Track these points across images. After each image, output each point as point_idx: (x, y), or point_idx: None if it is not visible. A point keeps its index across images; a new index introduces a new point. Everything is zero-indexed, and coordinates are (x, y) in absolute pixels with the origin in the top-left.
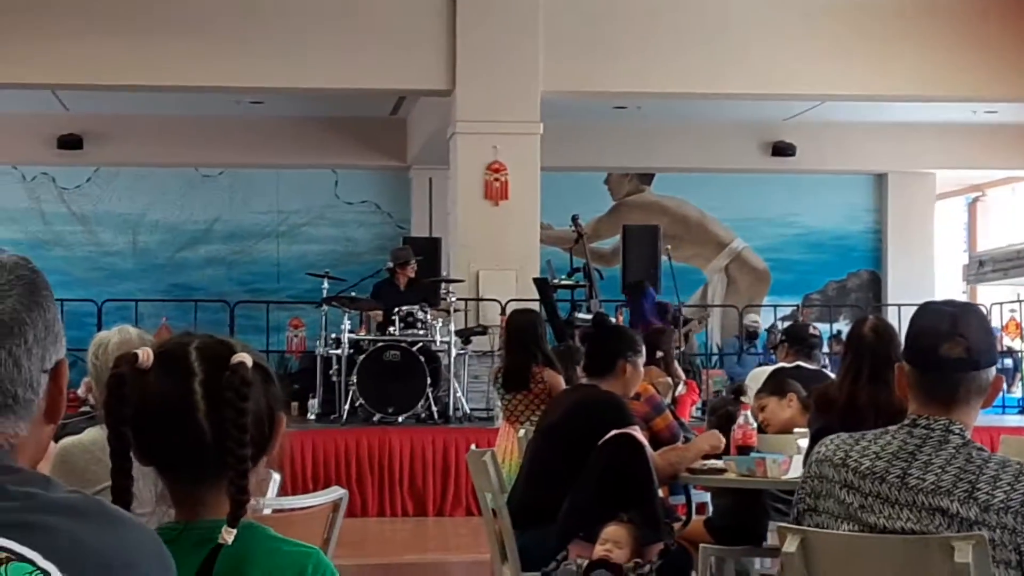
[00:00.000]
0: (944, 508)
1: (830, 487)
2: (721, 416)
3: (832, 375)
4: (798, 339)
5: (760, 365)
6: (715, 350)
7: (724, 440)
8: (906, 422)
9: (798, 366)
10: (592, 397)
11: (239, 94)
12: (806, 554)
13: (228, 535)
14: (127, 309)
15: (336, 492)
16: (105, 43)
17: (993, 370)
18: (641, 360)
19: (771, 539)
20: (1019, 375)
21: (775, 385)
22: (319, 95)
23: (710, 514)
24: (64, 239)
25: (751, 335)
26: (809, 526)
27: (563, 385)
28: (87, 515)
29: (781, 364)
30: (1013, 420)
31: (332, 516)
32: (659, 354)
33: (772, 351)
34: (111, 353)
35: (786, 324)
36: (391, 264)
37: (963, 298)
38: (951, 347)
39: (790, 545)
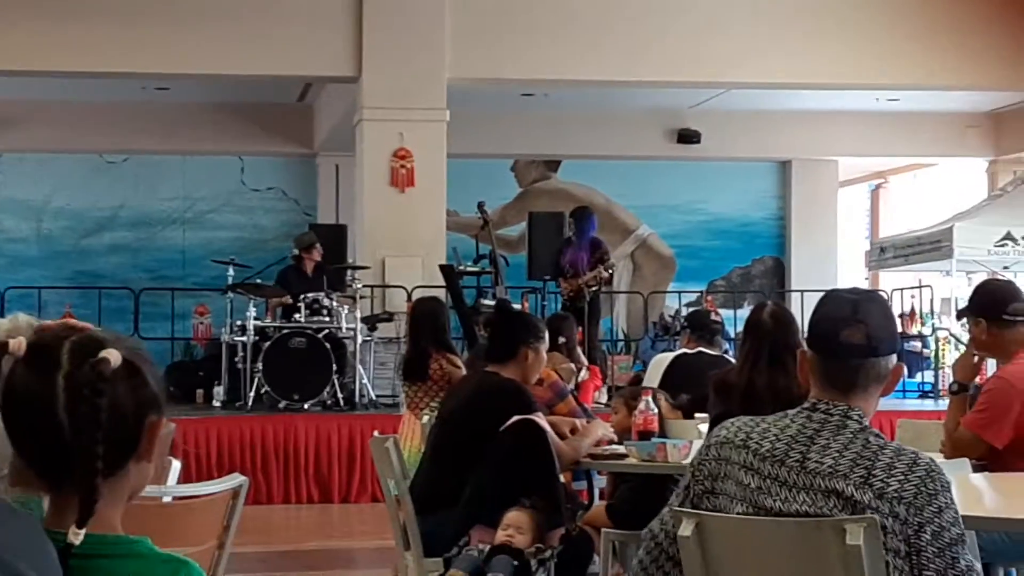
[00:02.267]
0: (840, 491)
1: (730, 469)
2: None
3: (732, 360)
4: (699, 325)
5: (665, 351)
6: (620, 336)
7: (609, 430)
8: (806, 405)
9: (700, 352)
10: (493, 384)
11: (144, 79)
12: (701, 537)
13: (75, 536)
14: (31, 297)
15: (236, 479)
16: (7, 29)
17: (894, 358)
18: (544, 346)
19: None
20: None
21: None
22: (225, 81)
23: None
24: None
25: (666, 328)
26: (706, 508)
27: (462, 372)
28: None
29: (683, 350)
30: (912, 404)
31: (232, 503)
32: (561, 340)
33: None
34: None
35: (689, 311)
36: (296, 250)
37: (865, 284)
38: (851, 333)
39: (685, 529)
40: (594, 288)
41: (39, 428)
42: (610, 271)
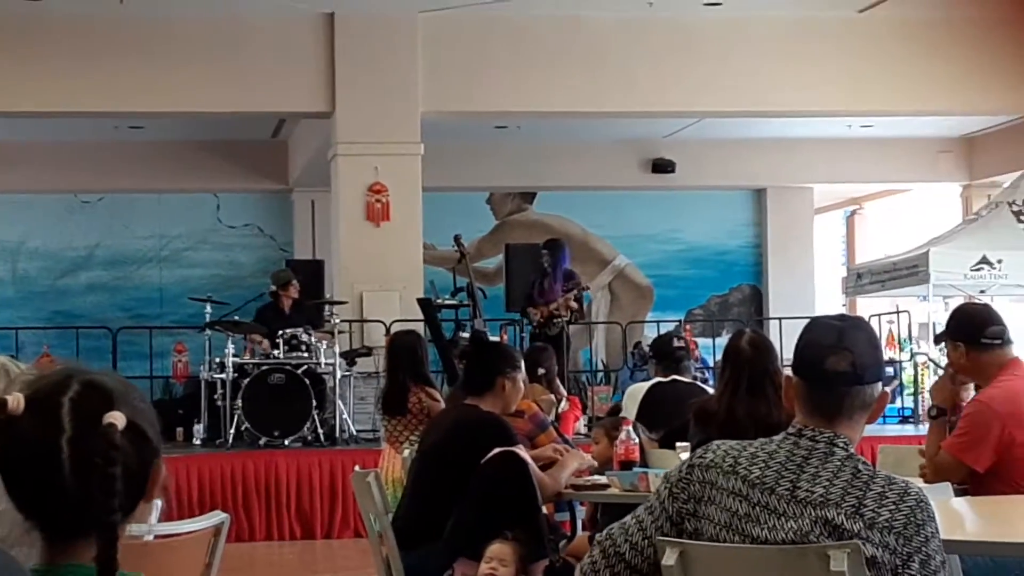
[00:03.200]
0: (831, 519)
1: (715, 494)
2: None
3: (706, 388)
4: (662, 355)
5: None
6: (600, 367)
7: (588, 459)
8: (791, 431)
9: (674, 380)
10: (473, 417)
11: (118, 119)
12: (685, 565)
13: None
14: (7, 338)
15: (217, 516)
16: None
17: (879, 385)
18: (520, 375)
19: None
20: (899, 384)
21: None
22: (199, 119)
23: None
24: None
25: (643, 358)
26: (687, 529)
27: (441, 405)
28: None
29: (657, 379)
30: (893, 430)
31: (213, 541)
32: (541, 371)
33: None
34: None
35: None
36: (273, 287)
37: (843, 310)
38: (837, 361)
39: (669, 558)
40: (564, 318)
41: (43, 488)
42: (578, 299)
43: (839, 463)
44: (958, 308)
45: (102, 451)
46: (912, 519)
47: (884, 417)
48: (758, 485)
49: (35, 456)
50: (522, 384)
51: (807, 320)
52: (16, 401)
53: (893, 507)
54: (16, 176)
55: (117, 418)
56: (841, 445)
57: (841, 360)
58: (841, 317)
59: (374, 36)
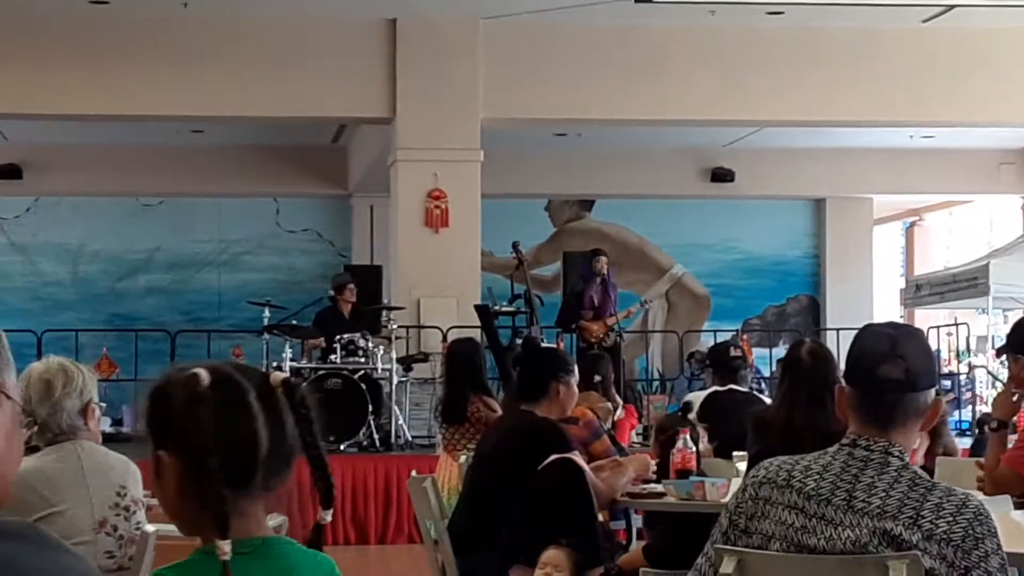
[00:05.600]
0: (888, 529)
1: (769, 508)
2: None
3: (763, 397)
4: (720, 364)
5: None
6: (656, 375)
7: (651, 464)
8: (845, 441)
9: (731, 389)
10: (528, 424)
11: (180, 123)
12: (743, 574)
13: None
14: (67, 340)
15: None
16: (44, 72)
17: (932, 392)
18: (574, 380)
19: None
20: (956, 397)
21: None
22: (259, 123)
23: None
24: (3, 269)
25: (701, 367)
26: (742, 547)
27: (499, 415)
28: (24, 539)
29: (715, 388)
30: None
31: None
32: (597, 378)
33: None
34: (33, 383)
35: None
36: (331, 291)
37: (901, 322)
38: (889, 368)
39: (727, 566)
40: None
41: (244, 445)
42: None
43: (895, 473)
44: (1020, 320)
45: (298, 399)
46: (971, 532)
47: None
48: (814, 497)
49: (235, 415)
50: (575, 387)
51: None
52: (206, 375)
53: (951, 519)
54: (77, 179)
55: (281, 375)
56: (896, 454)
57: (894, 368)
58: (892, 325)
59: (435, 42)
